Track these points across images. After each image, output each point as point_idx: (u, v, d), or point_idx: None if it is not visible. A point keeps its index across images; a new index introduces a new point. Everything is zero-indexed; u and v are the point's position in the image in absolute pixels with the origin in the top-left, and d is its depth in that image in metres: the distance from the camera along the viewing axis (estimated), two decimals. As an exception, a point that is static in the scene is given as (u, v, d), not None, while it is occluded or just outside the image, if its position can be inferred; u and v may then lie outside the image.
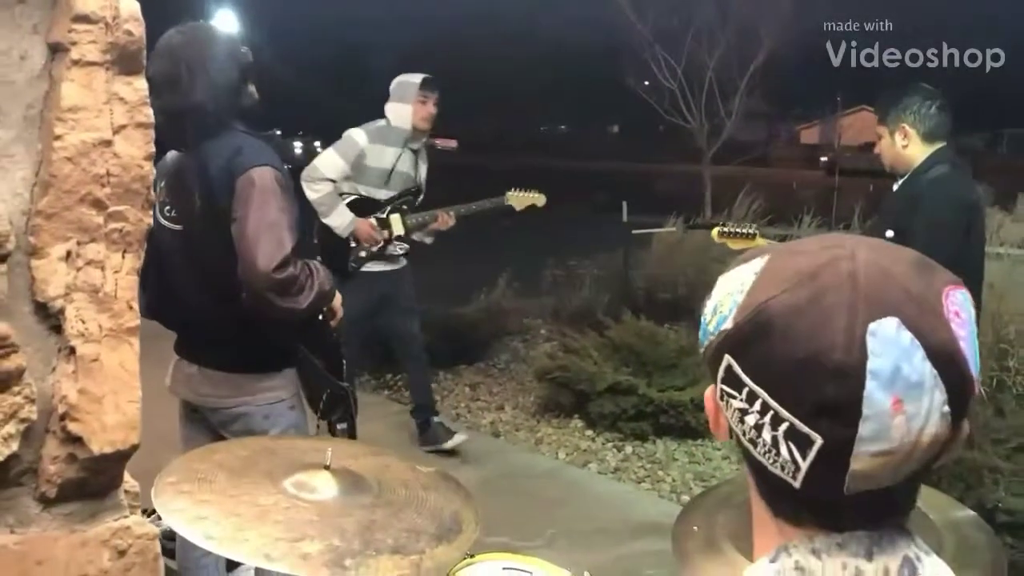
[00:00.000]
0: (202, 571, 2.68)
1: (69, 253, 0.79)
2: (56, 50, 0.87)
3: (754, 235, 3.57)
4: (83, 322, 0.80)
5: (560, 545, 3.92)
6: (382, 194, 4.84)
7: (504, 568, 1.95)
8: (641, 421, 5.31)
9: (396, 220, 4.86)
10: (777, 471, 0.73)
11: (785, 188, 15.37)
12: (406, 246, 4.94)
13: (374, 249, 4.81)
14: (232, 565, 3.14)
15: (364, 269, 4.82)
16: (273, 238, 2.34)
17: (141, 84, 0.85)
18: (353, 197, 4.81)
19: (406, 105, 4.78)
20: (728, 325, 0.74)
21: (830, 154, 26.47)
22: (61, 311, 0.80)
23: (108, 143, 0.81)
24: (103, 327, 0.81)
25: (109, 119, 0.80)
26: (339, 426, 2.73)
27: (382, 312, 4.91)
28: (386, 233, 4.84)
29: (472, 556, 1.93)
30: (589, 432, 5.45)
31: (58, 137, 0.79)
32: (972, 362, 0.72)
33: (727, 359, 0.74)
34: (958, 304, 0.72)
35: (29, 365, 0.80)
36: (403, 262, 5.00)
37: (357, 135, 4.77)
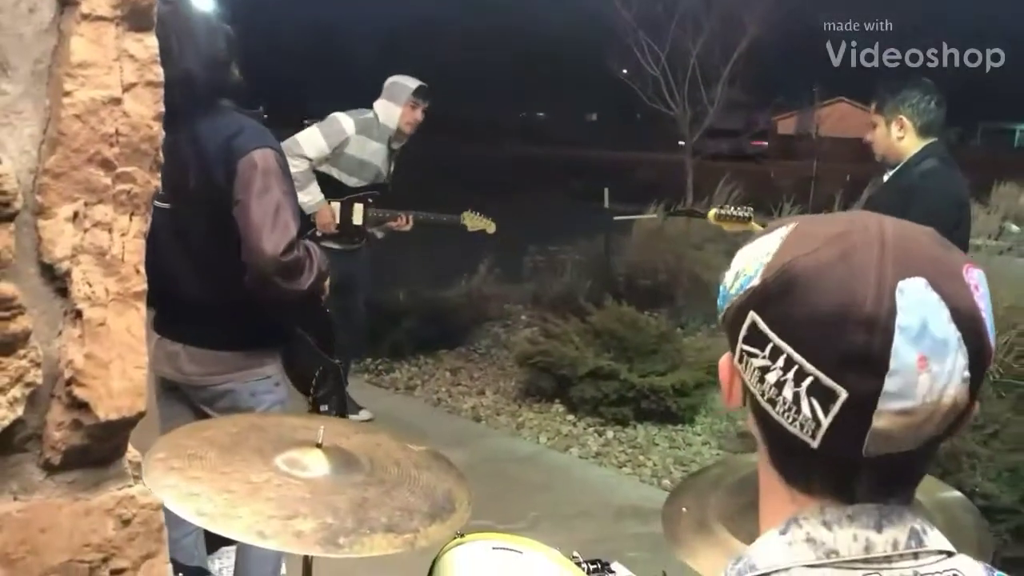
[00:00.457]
0: (181, 552, 2.65)
1: (76, 214, 0.77)
2: (65, 3, 0.84)
3: (749, 218, 3.60)
4: (90, 285, 0.78)
5: (542, 528, 3.93)
6: (353, 181, 4.92)
7: (494, 548, 1.94)
8: (622, 406, 5.33)
9: (358, 210, 4.96)
10: (796, 430, 0.73)
11: (764, 176, 15.46)
12: (358, 239, 5.05)
13: (327, 233, 4.90)
14: (212, 547, 3.12)
15: (326, 244, 4.88)
16: (279, 223, 2.35)
17: (152, 41, 0.83)
18: (326, 174, 4.87)
19: (396, 106, 4.88)
20: (755, 283, 0.74)
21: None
22: (67, 273, 0.78)
23: (118, 101, 0.79)
24: (110, 291, 0.79)
25: (119, 76, 0.78)
26: (322, 407, 2.71)
27: (342, 290, 4.98)
28: (339, 222, 4.94)
29: (462, 536, 1.92)
30: (570, 417, 5.46)
31: (67, 93, 0.76)
32: (991, 333, 0.73)
33: (751, 316, 0.74)
34: (976, 280, 0.73)
35: (35, 328, 0.77)
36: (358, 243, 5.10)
37: (345, 122, 4.82)
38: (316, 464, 1.67)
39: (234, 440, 1.74)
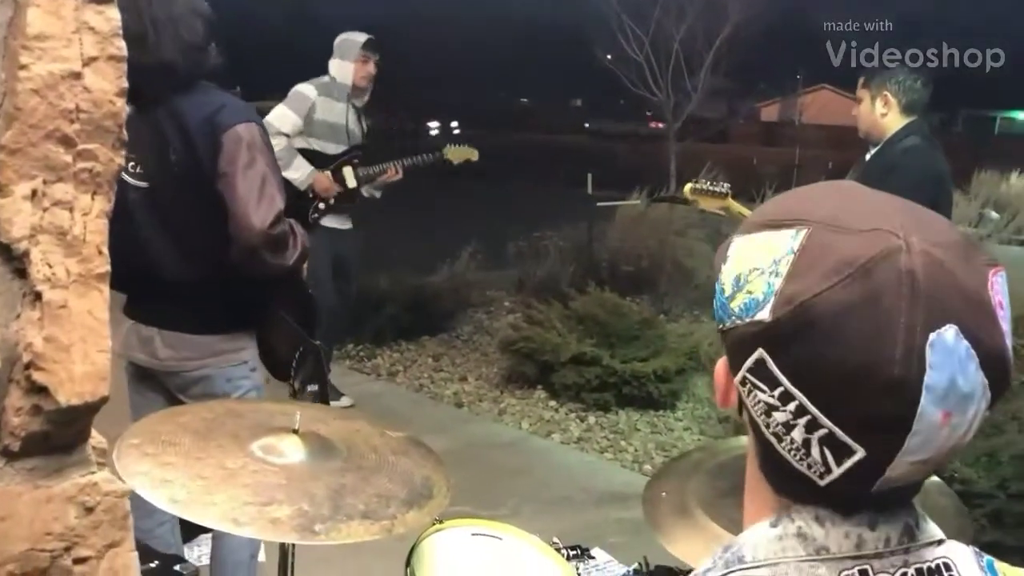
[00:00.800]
0: (155, 541, 2.62)
1: (35, 192, 0.74)
2: (21, -27, 0.81)
3: (726, 194, 3.52)
4: (50, 266, 0.75)
5: (523, 514, 3.93)
6: (332, 148, 4.92)
7: (473, 534, 1.93)
8: (604, 392, 5.34)
9: (349, 173, 4.97)
10: (802, 468, 0.70)
11: (748, 163, 15.50)
12: (356, 200, 5.04)
13: (331, 201, 4.91)
14: (190, 535, 3.09)
15: (323, 224, 4.90)
16: (266, 195, 2.35)
17: (113, 14, 0.79)
18: (306, 148, 4.87)
19: (348, 63, 4.89)
20: (765, 316, 0.68)
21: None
22: (26, 254, 0.75)
23: (78, 76, 0.76)
24: (71, 272, 0.76)
25: (79, 50, 0.75)
26: (309, 387, 2.68)
27: (334, 272, 4.96)
28: (343, 185, 4.97)
29: (441, 522, 1.91)
30: (552, 403, 5.46)
31: (23, 67, 0.73)
32: (1010, 354, 0.69)
33: (761, 352, 0.68)
34: (1000, 292, 0.69)
35: (-7, 311, 0.75)
36: (350, 223, 5.10)
37: (307, 89, 4.87)
38: (292, 450, 1.65)
39: (209, 426, 1.72)
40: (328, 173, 4.89)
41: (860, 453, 0.66)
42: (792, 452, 0.70)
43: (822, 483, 0.69)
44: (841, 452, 0.67)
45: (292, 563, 1.75)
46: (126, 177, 2.47)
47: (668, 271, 7.38)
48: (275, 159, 2.47)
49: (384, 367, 6.10)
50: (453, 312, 7.08)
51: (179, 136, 2.36)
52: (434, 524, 1.90)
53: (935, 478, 2.01)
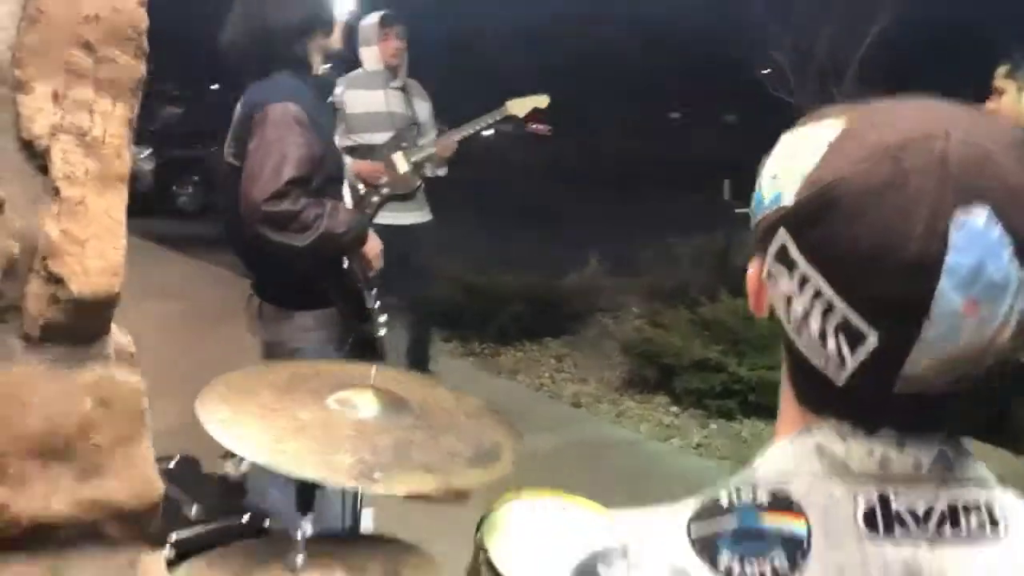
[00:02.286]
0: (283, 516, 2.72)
1: (56, 93, 0.80)
2: None
3: None
4: (69, 164, 0.81)
5: (631, 513, 3.86)
6: (379, 138, 4.77)
7: (551, 505, 1.91)
8: (728, 399, 5.19)
9: (399, 158, 4.77)
10: (821, 365, 0.66)
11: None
12: (418, 181, 4.84)
13: (384, 190, 4.72)
14: (305, 508, 3.19)
15: (383, 222, 4.59)
16: (272, 170, 2.27)
17: (134, -80, 0.85)
18: (350, 145, 4.72)
19: (372, 47, 4.78)
20: (790, 199, 0.65)
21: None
22: (47, 151, 0.81)
23: (98, -18, 0.82)
24: (89, 171, 0.81)
25: (99, -43, 0.81)
26: None
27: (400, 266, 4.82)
28: (394, 172, 4.75)
29: (519, 491, 1.90)
30: (673, 408, 5.35)
31: (44, -30, 0.80)
32: None
33: (782, 235, 0.66)
34: None
35: (15, 202, 0.81)
36: (428, 215, 4.93)
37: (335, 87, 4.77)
38: (366, 405, 1.69)
39: (291, 380, 1.78)
40: (380, 164, 4.70)
41: (872, 339, 0.62)
42: (809, 347, 0.66)
43: (839, 380, 0.65)
44: (855, 340, 0.62)
45: (359, 510, 1.79)
46: (227, 158, 2.63)
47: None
48: (310, 140, 2.37)
49: (507, 365, 6.14)
50: (579, 315, 7.06)
51: (238, 118, 2.46)
52: (511, 493, 1.89)
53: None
